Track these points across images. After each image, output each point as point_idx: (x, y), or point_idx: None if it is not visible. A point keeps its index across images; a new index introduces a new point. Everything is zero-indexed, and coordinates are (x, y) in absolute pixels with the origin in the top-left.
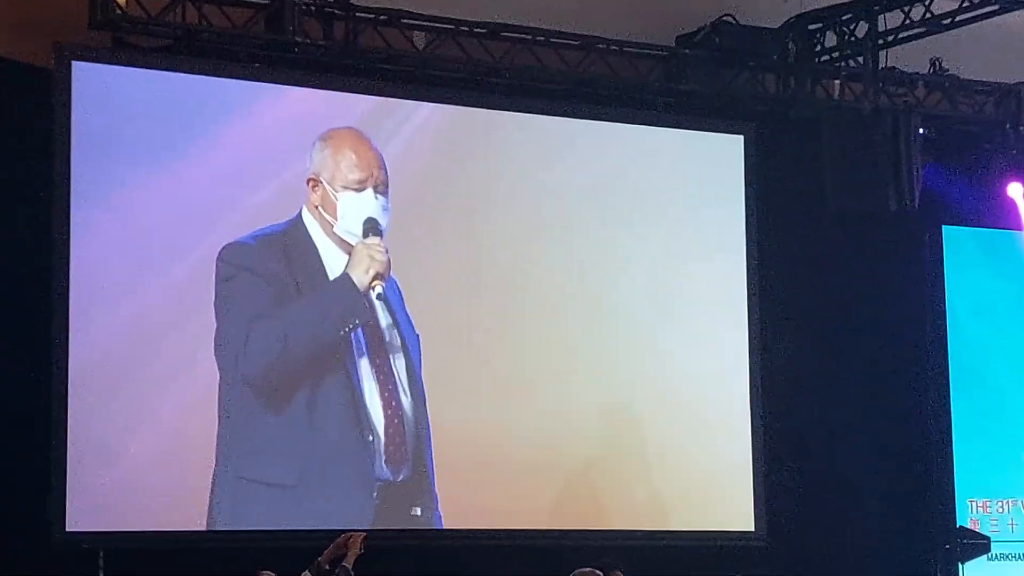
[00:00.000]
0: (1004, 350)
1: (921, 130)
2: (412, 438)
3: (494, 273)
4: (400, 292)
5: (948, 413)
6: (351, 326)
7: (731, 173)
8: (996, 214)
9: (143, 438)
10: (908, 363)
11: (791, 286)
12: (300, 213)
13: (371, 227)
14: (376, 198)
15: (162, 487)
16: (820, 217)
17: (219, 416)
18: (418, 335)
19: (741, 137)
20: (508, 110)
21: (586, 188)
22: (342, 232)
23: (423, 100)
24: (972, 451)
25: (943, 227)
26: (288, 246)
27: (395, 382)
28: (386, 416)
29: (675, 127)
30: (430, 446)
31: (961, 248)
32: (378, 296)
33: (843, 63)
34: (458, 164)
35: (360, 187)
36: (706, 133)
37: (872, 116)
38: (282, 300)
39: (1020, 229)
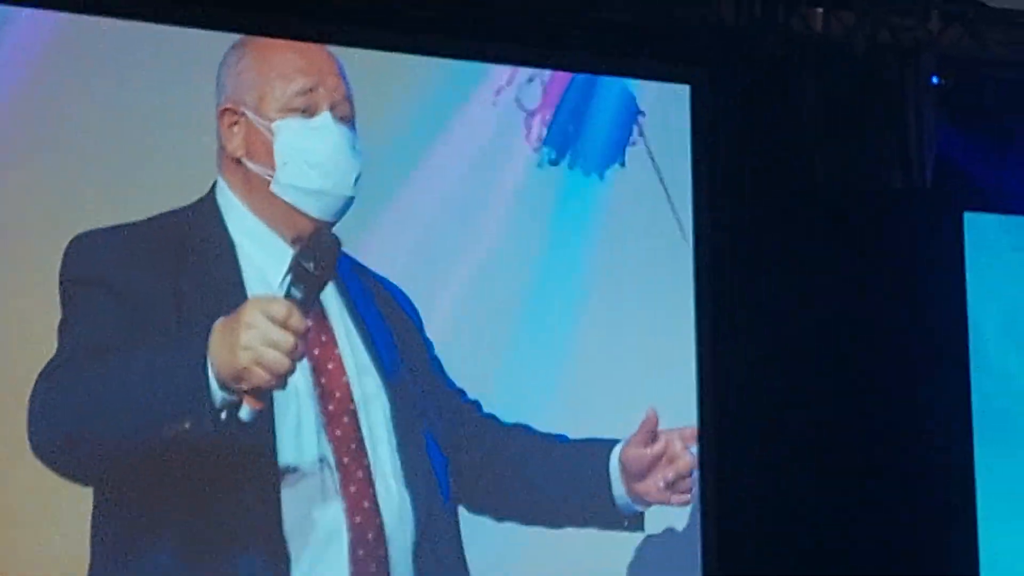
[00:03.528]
0: None
1: (935, 78)
2: None
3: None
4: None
5: (971, 473)
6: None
7: (673, 136)
8: None
9: None
10: (911, 405)
11: (754, 296)
12: (213, 187)
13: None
14: (337, 126)
15: None
16: (796, 197)
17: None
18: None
19: (687, 87)
20: (354, 46)
21: (471, 155)
22: (285, 190)
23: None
24: (1003, 526)
25: (964, 213)
26: (185, 240)
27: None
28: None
29: (596, 72)
30: None
31: (988, 241)
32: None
33: None
34: None
35: (309, 106)
36: (639, 81)
37: (867, 57)
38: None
39: None
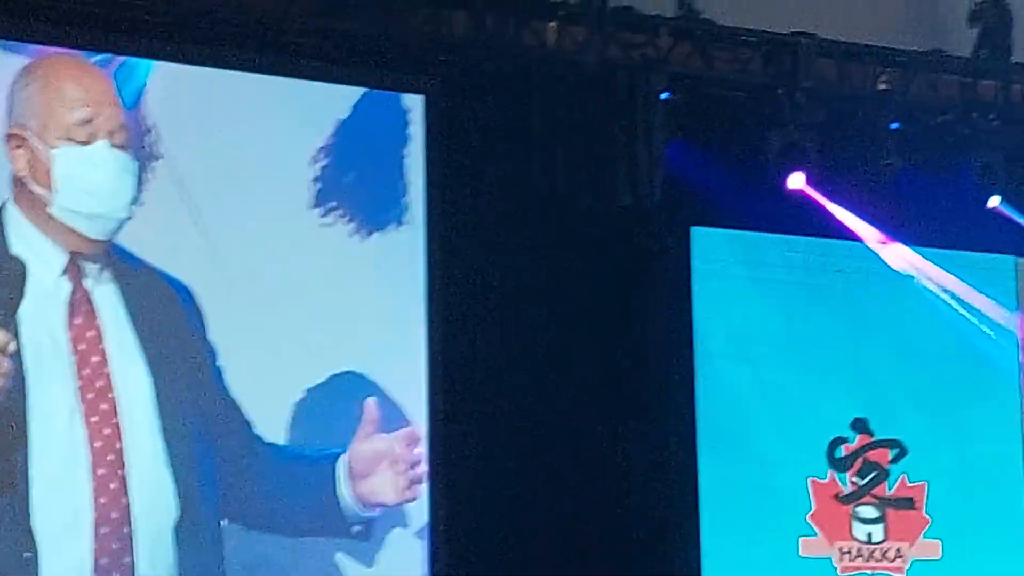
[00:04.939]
0: (770, 402)
1: (665, 94)
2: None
3: None
4: None
5: (694, 487)
6: None
7: (407, 145)
8: (765, 212)
9: None
10: (639, 418)
11: (484, 312)
12: (4, 204)
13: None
14: (115, 155)
15: None
16: (526, 212)
17: None
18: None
19: (421, 97)
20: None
21: (214, 161)
22: (63, 213)
23: None
24: (726, 537)
25: (692, 228)
26: None
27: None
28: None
29: (330, 80)
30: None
31: (716, 257)
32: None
33: None
34: None
35: (88, 135)
36: (373, 91)
37: (598, 72)
38: None
39: (809, 232)
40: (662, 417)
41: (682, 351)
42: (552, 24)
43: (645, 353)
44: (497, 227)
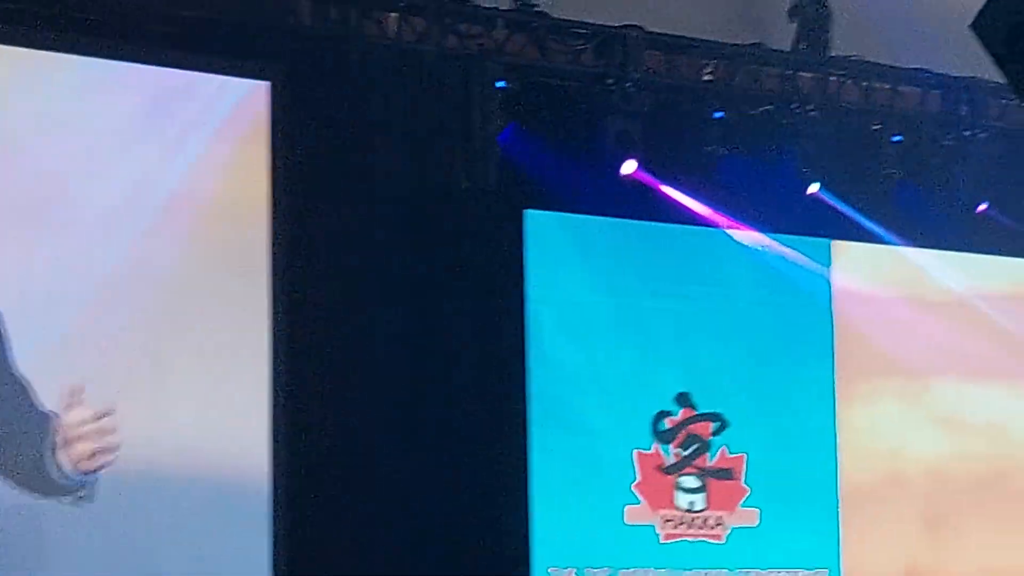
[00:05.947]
0: (599, 378)
1: (501, 83)
2: None
3: None
4: None
5: (525, 458)
6: None
7: (252, 133)
8: (598, 196)
9: None
10: (473, 394)
11: (326, 295)
12: None
13: None
14: None
15: None
16: (367, 197)
17: None
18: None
19: (267, 83)
20: None
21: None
22: None
23: None
24: (555, 507)
25: (525, 211)
26: None
27: None
28: None
29: (175, 65)
30: None
31: (549, 240)
32: None
33: None
34: None
35: None
36: (217, 76)
37: (437, 62)
38: None
39: (639, 215)
40: (495, 392)
41: (515, 328)
42: (393, 15)
43: (479, 329)
44: (337, 208)
